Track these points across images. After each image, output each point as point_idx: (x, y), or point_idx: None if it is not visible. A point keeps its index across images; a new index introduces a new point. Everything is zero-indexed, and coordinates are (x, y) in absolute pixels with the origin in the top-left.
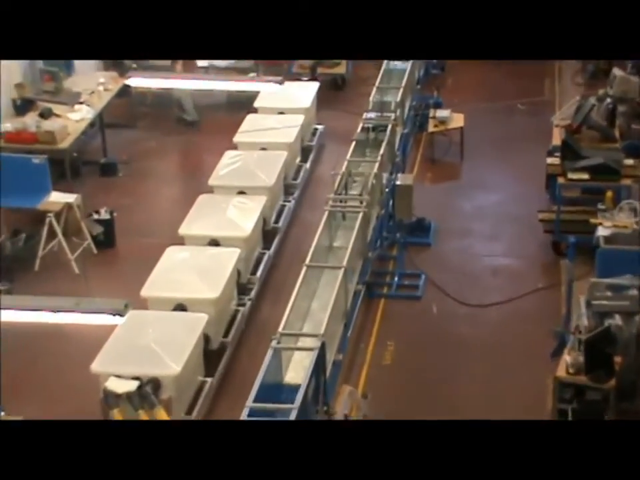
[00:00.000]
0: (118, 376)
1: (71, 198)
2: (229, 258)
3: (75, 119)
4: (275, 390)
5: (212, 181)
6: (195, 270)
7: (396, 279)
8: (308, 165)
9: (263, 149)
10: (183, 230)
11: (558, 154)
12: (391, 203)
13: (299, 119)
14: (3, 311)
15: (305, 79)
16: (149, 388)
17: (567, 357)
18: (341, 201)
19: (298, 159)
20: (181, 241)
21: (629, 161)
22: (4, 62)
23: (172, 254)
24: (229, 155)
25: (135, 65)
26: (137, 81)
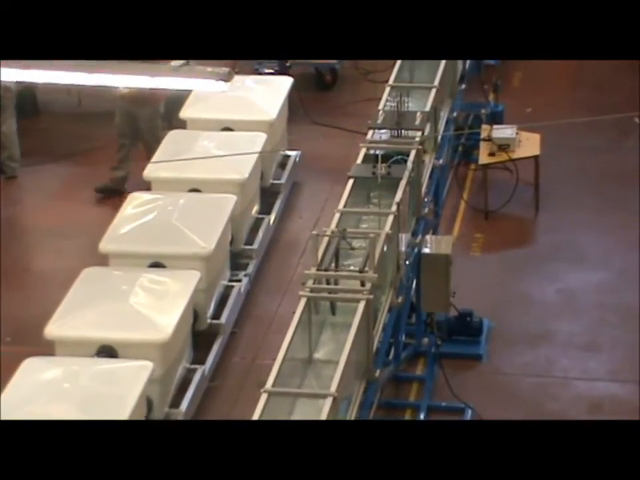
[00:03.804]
0: None
1: None
2: (134, 378)
3: None
4: None
5: (105, 245)
6: (72, 403)
7: (421, 416)
8: (272, 218)
9: (195, 190)
10: (53, 330)
11: None
12: (414, 285)
13: (258, 139)
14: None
15: (269, 71)
16: None
17: None
18: (328, 282)
19: (255, 209)
20: (49, 349)
21: None
22: None
23: (30, 370)
24: (135, 200)
25: None
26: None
